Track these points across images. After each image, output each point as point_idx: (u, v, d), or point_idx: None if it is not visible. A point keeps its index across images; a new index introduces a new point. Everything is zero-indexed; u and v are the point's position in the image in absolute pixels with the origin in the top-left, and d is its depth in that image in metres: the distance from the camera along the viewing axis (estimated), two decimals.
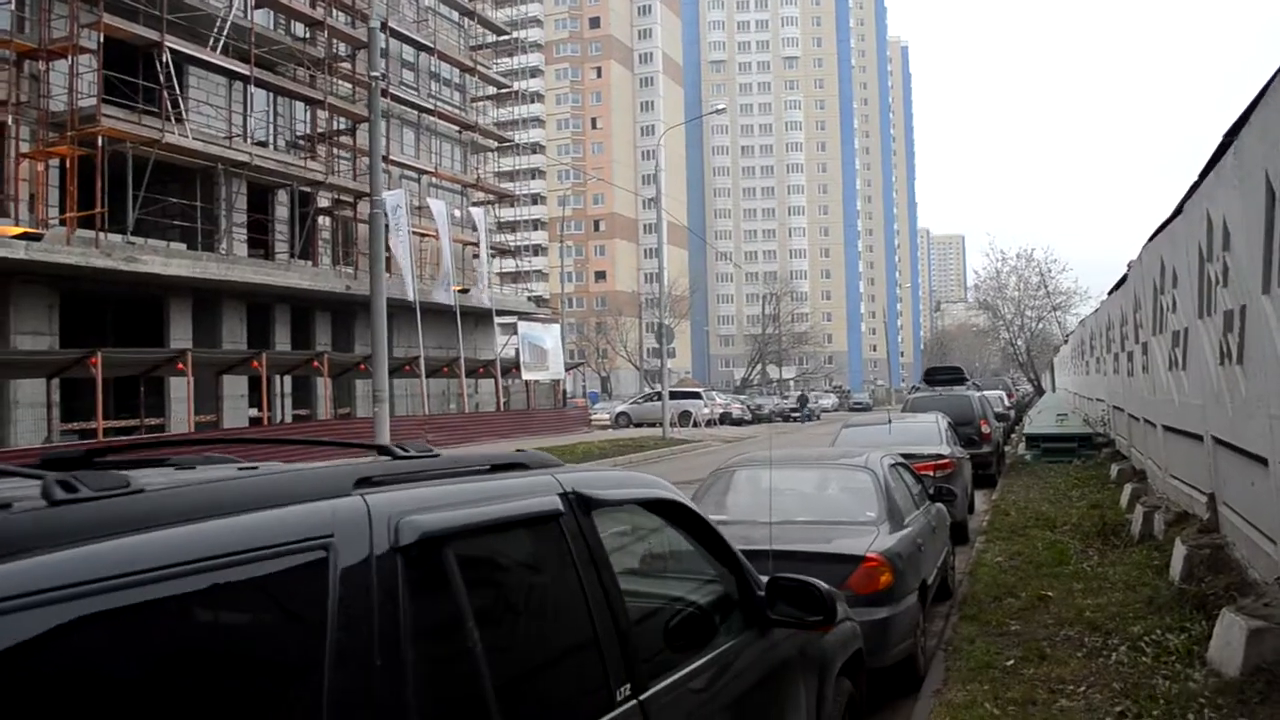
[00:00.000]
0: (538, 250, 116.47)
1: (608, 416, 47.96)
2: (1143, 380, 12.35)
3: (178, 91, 23.17)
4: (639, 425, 42.77)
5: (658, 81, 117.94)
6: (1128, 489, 12.73)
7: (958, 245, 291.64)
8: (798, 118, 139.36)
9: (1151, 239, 10.52)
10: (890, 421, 12.40)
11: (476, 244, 35.22)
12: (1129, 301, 13.34)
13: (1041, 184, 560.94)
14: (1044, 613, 7.64)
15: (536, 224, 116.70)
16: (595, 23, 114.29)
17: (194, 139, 23.78)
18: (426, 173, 34.90)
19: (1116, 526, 10.92)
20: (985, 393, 23.11)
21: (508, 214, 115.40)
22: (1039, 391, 45.24)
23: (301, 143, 29.57)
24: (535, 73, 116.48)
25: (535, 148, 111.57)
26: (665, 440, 32.36)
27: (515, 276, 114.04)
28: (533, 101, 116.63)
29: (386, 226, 30.47)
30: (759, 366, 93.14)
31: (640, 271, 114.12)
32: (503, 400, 41.14)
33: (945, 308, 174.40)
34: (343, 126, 30.55)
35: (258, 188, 27.58)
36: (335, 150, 30.35)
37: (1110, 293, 16.66)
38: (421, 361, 28.33)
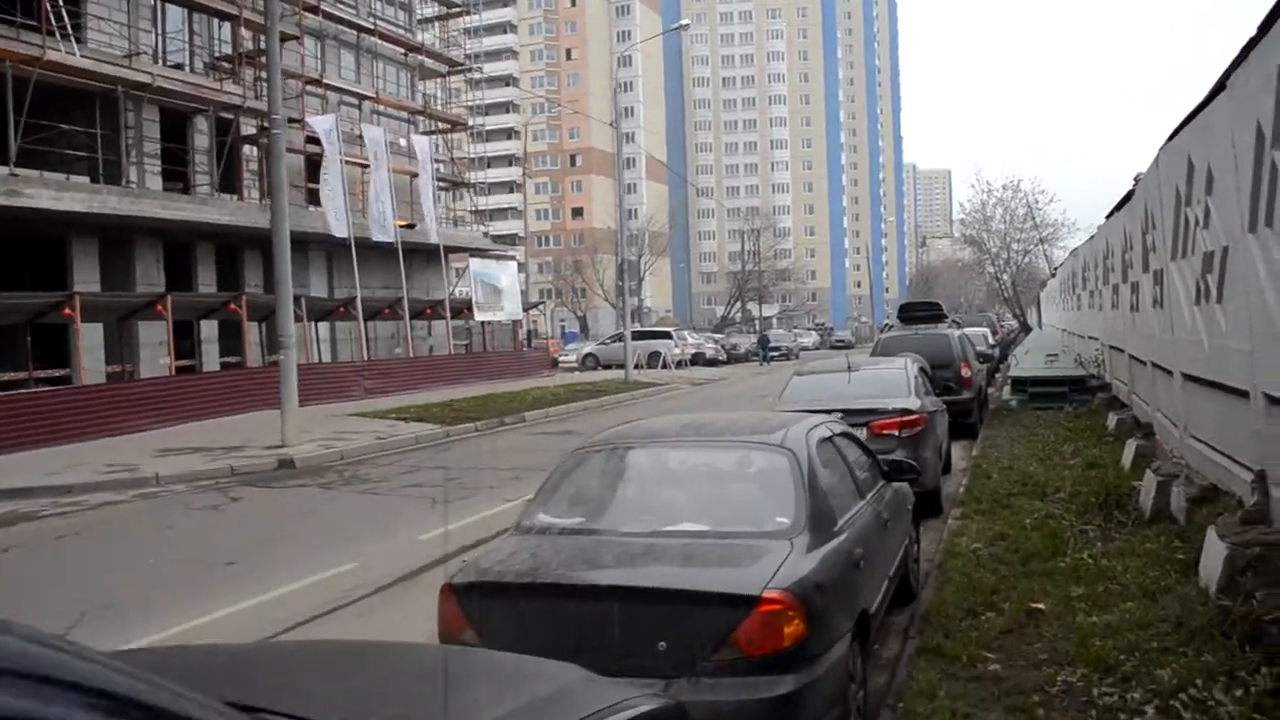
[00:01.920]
0: (512, 187, 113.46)
1: (576, 358, 45.95)
2: (1153, 316, 10.22)
3: (61, 4, 20.45)
4: (608, 367, 40.69)
5: (634, 9, 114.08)
6: (1131, 446, 10.67)
7: (944, 180, 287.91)
8: (780, 48, 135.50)
9: (1173, 137, 8.32)
10: (849, 369, 10.26)
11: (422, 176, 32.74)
12: (1135, 222, 11.17)
13: (1030, 116, 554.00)
14: (1034, 638, 5.58)
15: (511, 159, 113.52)
16: None
17: (83, 57, 21.11)
18: (367, 98, 32.15)
19: (1121, 497, 8.85)
20: (967, 330, 20.96)
21: (479, 149, 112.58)
22: (1025, 329, 43.19)
23: (224, 65, 26.87)
24: (507, 1, 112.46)
25: (509, 80, 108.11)
26: (627, 384, 30.32)
27: (491, 215, 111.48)
28: (505, 32, 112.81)
29: (317, 157, 28.12)
30: (738, 304, 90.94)
31: (618, 208, 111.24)
32: (461, 343, 38.96)
33: (931, 243, 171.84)
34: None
35: (172, 114, 24.97)
36: (259, 72, 27.67)
37: (1109, 215, 14.48)
38: (359, 303, 26.01)
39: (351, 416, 21.10)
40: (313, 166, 28.96)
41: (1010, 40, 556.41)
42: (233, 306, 22.21)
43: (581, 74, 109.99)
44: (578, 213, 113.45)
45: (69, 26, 20.82)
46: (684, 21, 45.13)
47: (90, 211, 21.15)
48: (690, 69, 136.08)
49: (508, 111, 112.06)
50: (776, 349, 52.88)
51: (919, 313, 17.68)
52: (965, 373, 15.27)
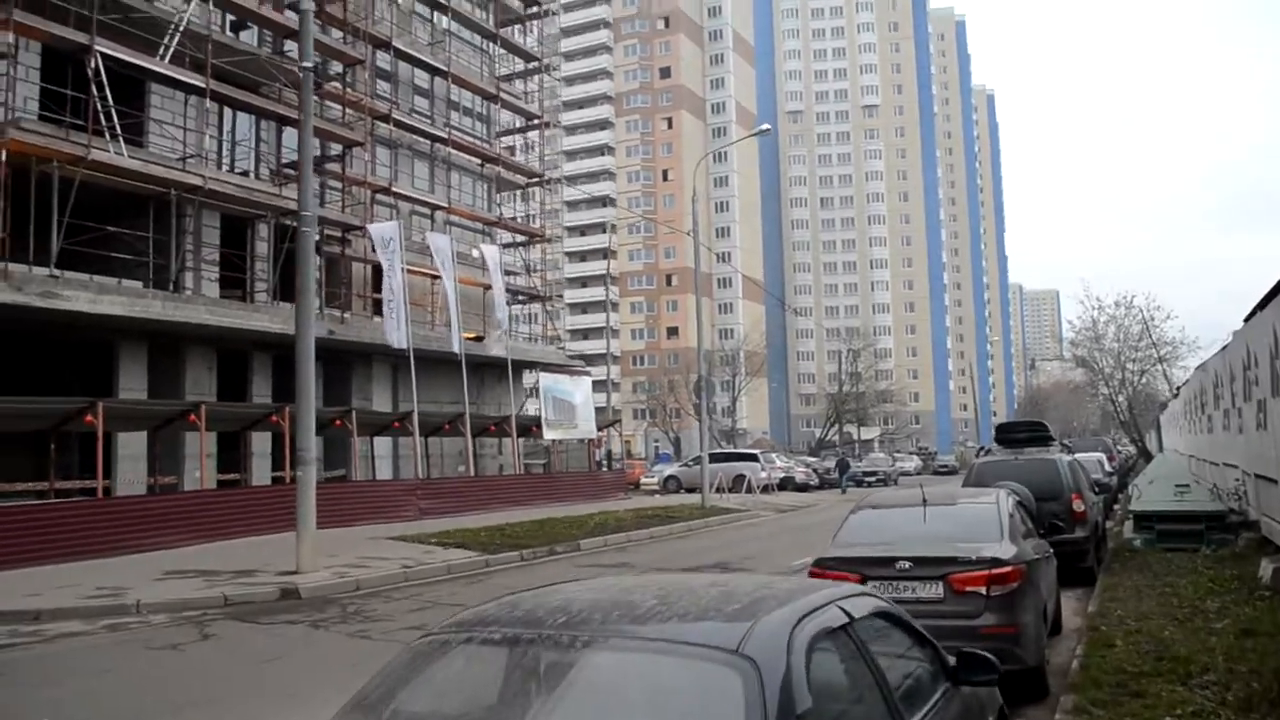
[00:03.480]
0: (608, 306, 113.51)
1: (658, 480, 43.85)
2: None
3: (110, 102, 19.96)
4: (690, 490, 38.45)
5: (730, 132, 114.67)
6: None
7: (1052, 301, 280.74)
8: (878, 167, 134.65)
9: None
10: (925, 503, 8.06)
11: (508, 289, 31.72)
12: None
13: (1141, 231, 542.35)
14: None
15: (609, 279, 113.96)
16: (666, 73, 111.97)
17: (132, 158, 20.58)
18: (439, 208, 31.46)
19: None
20: (1079, 456, 18.22)
21: (576, 268, 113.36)
22: (1145, 455, 39.57)
23: (290, 171, 26.42)
24: (605, 125, 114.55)
25: (606, 200, 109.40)
26: (703, 509, 28.08)
27: (586, 333, 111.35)
28: (603, 154, 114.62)
29: (379, 265, 27.21)
30: (836, 426, 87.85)
31: (715, 328, 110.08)
32: (538, 462, 37.38)
33: (1040, 365, 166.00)
34: (336, 153, 27.39)
35: (233, 221, 24.40)
36: (326, 180, 27.19)
37: (1250, 316, 12.06)
38: (415, 417, 24.56)
39: (391, 540, 19.37)
40: (380, 276, 28.13)
41: (1120, 154, 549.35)
42: (275, 418, 20.94)
43: (677, 195, 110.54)
44: (672, 332, 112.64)
45: (118, 127, 20.32)
46: (764, 126, 44.04)
47: (131, 316, 20.32)
48: (788, 189, 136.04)
49: (604, 231, 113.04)
50: (867, 473, 49.93)
51: (1021, 434, 15.11)
52: (1078, 506, 12.79)
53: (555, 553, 18.89)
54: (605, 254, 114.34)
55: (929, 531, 7.69)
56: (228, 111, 24.93)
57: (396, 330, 24.25)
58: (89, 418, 17.36)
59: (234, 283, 24.62)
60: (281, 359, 26.42)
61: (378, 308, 28.74)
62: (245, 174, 25.30)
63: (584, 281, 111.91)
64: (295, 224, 26.23)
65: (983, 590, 6.89)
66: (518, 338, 37.51)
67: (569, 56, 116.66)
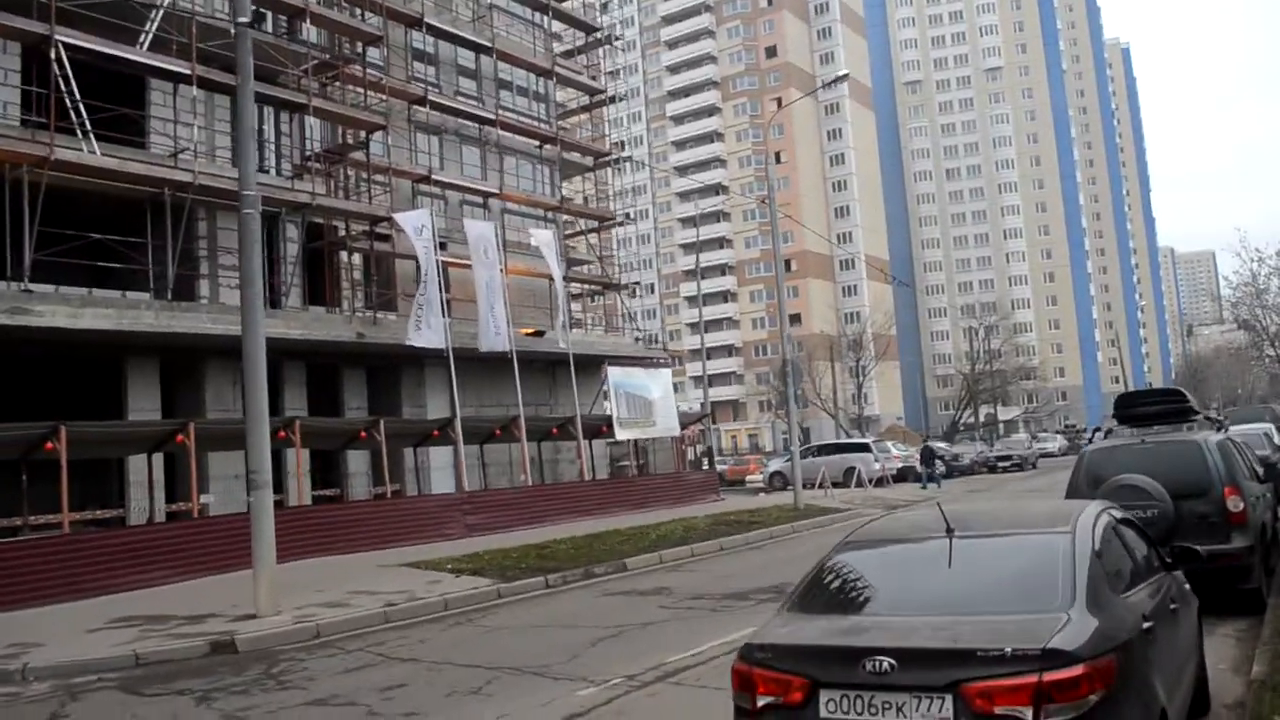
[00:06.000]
0: (726, 296, 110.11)
1: (764, 477, 40.58)
2: None
3: (77, 97, 17.85)
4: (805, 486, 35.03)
5: (844, 107, 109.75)
6: None
7: (1208, 263, 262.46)
8: (1006, 132, 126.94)
9: None
10: (949, 533, 4.74)
11: (568, 279, 28.99)
12: None
13: None
14: None
15: (724, 268, 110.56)
16: (772, 52, 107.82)
17: (106, 155, 18.53)
18: (491, 195, 28.86)
19: None
20: (1238, 430, 14.08)
21: (691, 259, 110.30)
22: None
23: (316, 165, 24.19)
24: (712, 111, 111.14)
25: (718, 189, 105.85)
26: (794, 511, 24.75)
27: (707, 326, 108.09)
28: (711, 141, 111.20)
29: (444, 264, 24.81)
30: (969, 408, 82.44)
31: (838, 312, 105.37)
32: (621, 465, 34.60)
33: (1197, 331, 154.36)
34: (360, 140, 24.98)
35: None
36: (345, 169, 24.82)
37: None
38: (458, 424, 22.00)
39: (403, 566, 16.79)
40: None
41: (1272, 100, 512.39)
42: (283, 434, 18.64)
43: (791, 177, 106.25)
44: (795, 319, 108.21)
45: (88, 124, 18.28)
46: (842, 72, 40.11)
47: (120, 329, 18.27)
48: (911, 163, 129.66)
49: (718, 220, 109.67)
50: (1000, 458, 45.01)
51: (1148, 406, 11.09)
52: (1234, 504, 9.10)
53: (592, 575, 15.97)
54: (722, 244, 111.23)
55: (944, 593, 4.43)
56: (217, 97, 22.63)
57: (427, 329, 21.70)
58: (49, 444, 15.31)
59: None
60: (320, 368, 24.37)
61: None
62: (265, 171, 23.15)
63: (701, 273, 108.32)
64: (322, 220, 24.39)
65: (1027, 714, 3.63)
66: (591, 330, 34.62)
67: (671, 44, 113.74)
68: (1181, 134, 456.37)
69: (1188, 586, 5.95)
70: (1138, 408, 11.15)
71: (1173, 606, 5.19)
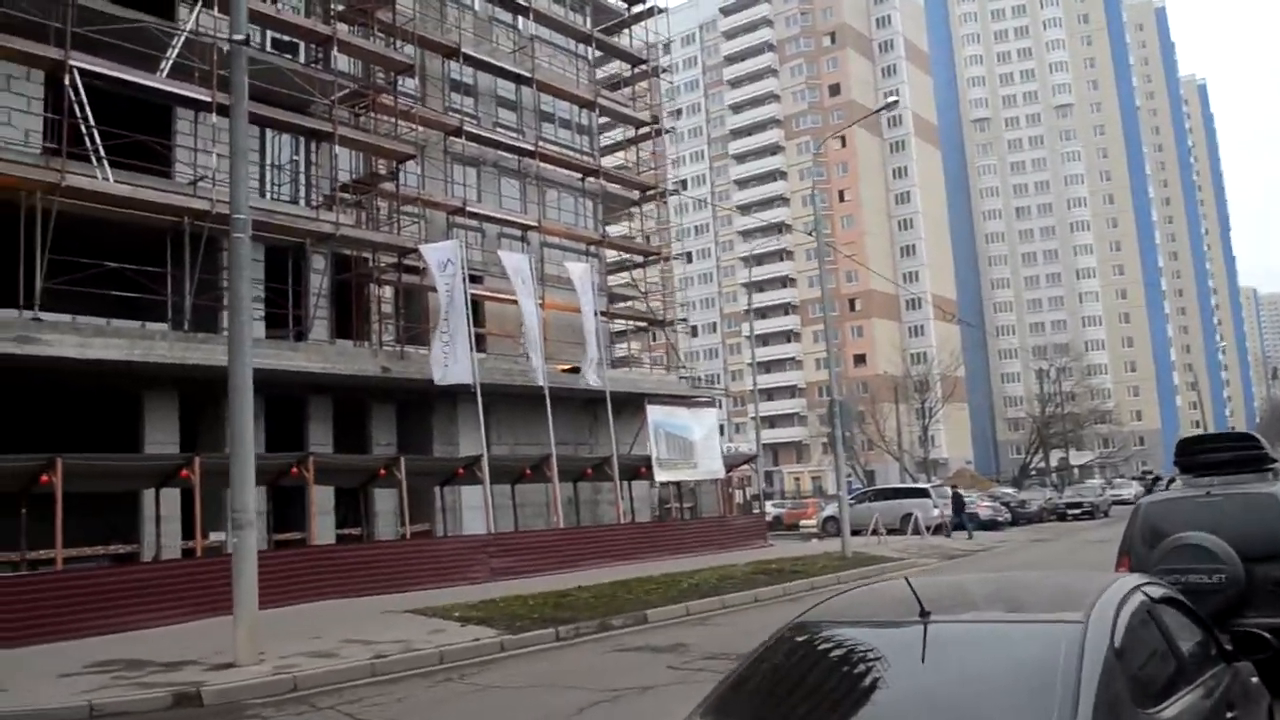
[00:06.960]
0: (789, 336, 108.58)
1: (818, 522, 39.13)
2: None
3: (92, 122, 17.50)
4: (856, 532, 33.47)
5: (909, 145, 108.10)
6: None
7: None
8: (1078, 170, 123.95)
9: None
10: (925, 619, 3.50)
11: (610, 314, 28.09)
12: None
13: None
14: None
15: (786, 308, 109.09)
16: (835, 90, 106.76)
17: (119, 182, 18.14)
18: (530, 228, 28.17)
19: None
20: None
21: (754, 299, 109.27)
22: None
23: (345, 195, 23.68)
24: (775, 150, 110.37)
25: (781, 227, 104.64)
26: (842, 559, 23.36)
27: (769, 366, 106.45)
28: (774, 179, 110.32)
29: (477, 298, 24.13)
30: (1039, 452, 79.58)
31: (904, 352, 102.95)
32: (668, 506, 33.48)
33: None
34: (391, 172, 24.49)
35: (278, 253, 21.78)
36: (376, 200, 24.30)
37: None
38: (485, 462, 21.11)
39: (406, 613, 15.83)
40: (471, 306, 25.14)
41: None
42: (296, 470, 17.89)
43: (855, 215, 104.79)
44: (860, 359, 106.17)
45: (102, 151, 17.93)
46: (892, 99, 38.92)
47: (129, 360, 17.76)
48: (979, 201, 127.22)
49: (781, 260, 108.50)
50: (1070, 505, 42.85)
51: (1217, 454, 9.63)
52: None
53: (608, 628, 14.85)
54: (784, 282, 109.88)
55: (902, 709, 3.27)
56: (270, 135, 22.42)
57: (453, 363, 20.91)
58: (44, 477, 14.73)
59: (280, 320, 21.95)
60: (347, 403, 23.72)
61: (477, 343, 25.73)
62: (294, 201, 22.73)
63: (763, 313, 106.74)
64: (351, 252, 23.86)
65: None
66: (645, 368, 33.60)
67: (734, 83, 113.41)
68: (1263, 168, 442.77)
69: (1255, 679, 4.66)
70: (1203, 454, 9.61)
71: (1230, 716, 3.91)
